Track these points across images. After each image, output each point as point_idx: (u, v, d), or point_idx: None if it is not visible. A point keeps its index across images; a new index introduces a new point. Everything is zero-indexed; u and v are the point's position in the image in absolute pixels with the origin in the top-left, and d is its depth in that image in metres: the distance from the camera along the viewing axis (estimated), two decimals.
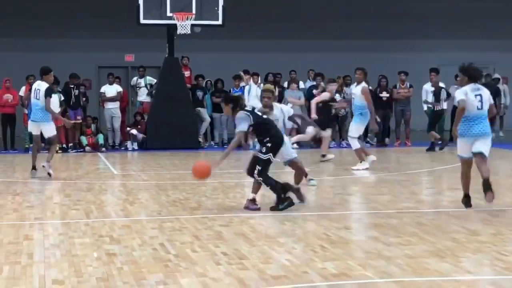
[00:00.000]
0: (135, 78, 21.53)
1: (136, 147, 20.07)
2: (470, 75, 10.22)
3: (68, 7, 24.21)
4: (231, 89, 20.99)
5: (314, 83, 21.11)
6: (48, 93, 13.94)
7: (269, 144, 10.20)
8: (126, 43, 24.30)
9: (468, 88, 10.14)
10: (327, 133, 17.00)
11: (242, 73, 20.56)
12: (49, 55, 23.57)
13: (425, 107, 20.55)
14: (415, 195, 11.94)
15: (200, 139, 20.69)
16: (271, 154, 10.23)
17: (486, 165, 10.08)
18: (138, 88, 21.05)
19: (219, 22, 19.88)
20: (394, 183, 13.25)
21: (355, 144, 15.21)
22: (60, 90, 19.69)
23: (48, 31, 24.23)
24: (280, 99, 21.05)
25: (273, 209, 10.18)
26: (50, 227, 9.23)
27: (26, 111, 19.25)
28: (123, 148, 20.38)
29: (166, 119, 19.18)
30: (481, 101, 10.09)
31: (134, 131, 20.05)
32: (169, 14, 19.38)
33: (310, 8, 25.37)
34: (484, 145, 10.12)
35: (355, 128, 15.30)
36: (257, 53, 24.46)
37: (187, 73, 21.32)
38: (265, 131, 10.27)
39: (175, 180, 13.71)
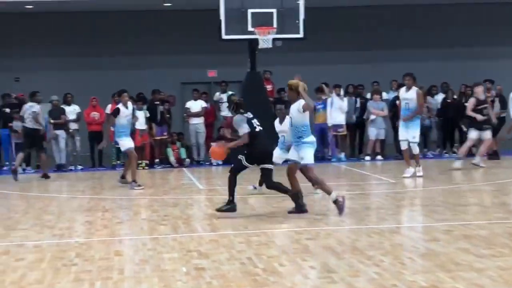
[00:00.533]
0: (217, 93, 21.71)
1: (220, 162, 20.19)
2: None
3: (151, 25, 24.65)
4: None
5: (397, 93, 20.88)
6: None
7: (248, 153, 11.11)
8: (209, 59, 24.56)
9: None
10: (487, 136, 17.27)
11: (323, 86, 20.49)
12: (134, 73, 24.10)
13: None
14: (505, 205, 11.68)
15: None
16: (247, 162, 11.13)
17: None
18: (220, 103, 21.17)
19: (300, 35, 19.87)
20: (482, 193, 13.00)
21: (417, 149, 15.75)
22: (146, 107, 20.03)
23: (132, 49, 24.70)
24: (363, 110, 20.97)
25: (217, 209, 11.09)
26: (139, 242, 9.37)
27: (112, 129, 19.63)
28: (208, 163, 20.55)
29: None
30: None
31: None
32: (250, 29, 19.50)
33: (391, 17, 25.21)
34: None
35: (418, 133, 15.74)
36: (338, 65, 24.40)
37: (269, 87, 21.39)
38: (250, 143, 11.11)
39: (261, 194, 13.73)
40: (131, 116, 15.65)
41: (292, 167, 11.32)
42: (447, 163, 19.19)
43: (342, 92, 20.55)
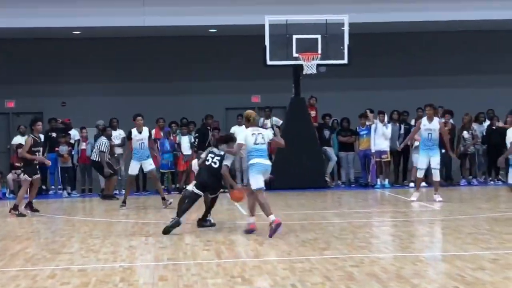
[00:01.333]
0: (261, 119, 21.69)
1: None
2: None
3: (196, 50, 24.83)
4: (357, 128, 20.93)
5: (443, 120, 20.73)
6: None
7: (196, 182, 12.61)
8: (253, 84, 24.64)
9: None
10: None
11: (368, 112, 20.48)
12: (178, 98, 24.25)
13: None
14: None
15: (327, 179, 20.65)
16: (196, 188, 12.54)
17: None
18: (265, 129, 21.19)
19: (345, 61, 19.92)
20: None
21: (438, 176, 16.58)
22: (193, 132, 20.17)
23: (177, 74, 24.87)
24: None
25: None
26: (183, 267, 9.38)
27: (157, 154, 19.77)
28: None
29: (293, 159, 19.24)
30: None
31: None
32: (295, 55, 19.60)
33: (436, 43, 25.07)
34: None
35: (439, 160, 16.42)
36: (383, 91, 24.33)
37: (313, 113, 21.37)
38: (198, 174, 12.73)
39: (303, 220, 13.71)
40: (145, 141, 16.62)
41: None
42: (493, 191, 18.99)
43: (386, 119, 20.48)
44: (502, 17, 22.52)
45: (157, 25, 22.11)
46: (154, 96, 24.39)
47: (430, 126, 16.31)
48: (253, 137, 12.39)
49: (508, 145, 13.73)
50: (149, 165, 16.75)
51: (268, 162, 12.34)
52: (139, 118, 16.69)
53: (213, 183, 12.63)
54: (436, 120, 16.43)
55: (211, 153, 12.72)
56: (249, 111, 12.87)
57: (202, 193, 12.64)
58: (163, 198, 16.62)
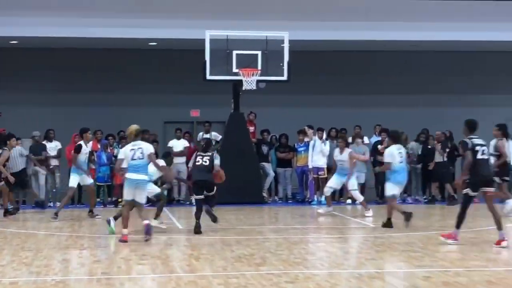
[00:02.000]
0: (200, 134, 21.71)
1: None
2: None
3: (135, 63, 24.73)
4: (295, 144, 21.03)
5: (379, 138, 21.00)
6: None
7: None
8: (192, 98, 24.62)
9: None
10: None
11: (306, 128, 20.61)
12: (116, 110, 24.07)
13: None
14: (484, 252, 11.71)
15: (264, 194, 20.71)
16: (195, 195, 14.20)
17: None
18: None
19: (284, 77, 20.07)
20: (462, 240, 13.02)
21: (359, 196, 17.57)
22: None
23: (116, 87, 24.73)
24: None
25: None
26: (117, 282, 9.30)
27: (93, 166, 19.58)
28: (188, 202, 20.49)
29: (231, 174, 19.14)
30: None
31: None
32: (235, 70, 19.67)
33: (376, 62, 25.40)
34: None
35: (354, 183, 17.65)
36: (321, 108, 24.54)
37: (251, 128, 21.46)
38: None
39: (240, 235, 13.72)
40: (88, 155, 17.12)
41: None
42: (427, 209, 19.26)
43: (324, 136, 20.62)
44: (439, 38, 22.91)
45: (97, 36, 21.95)
46: (91, 108, 24.19)
47: (341, 158, 17.39)
48: (131, 152, 13.05)
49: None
50: (88, 178, 16.99)
51: (140, 177, 13.03)
52: (89, 132, 17.32)
53: (209, 178, 14.08)
54: (346, 151, 17.40)
55: (199, 155, 14.23)
56: (132, 127, 13.45)
57: (202, 195, 14.06)
58: (91, 211, 16.96)
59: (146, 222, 12.94)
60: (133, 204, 13.17)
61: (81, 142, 16.84)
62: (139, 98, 24.73)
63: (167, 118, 24.80)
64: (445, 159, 20.37)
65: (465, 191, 12.26)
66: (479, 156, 12.24)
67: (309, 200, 20.40)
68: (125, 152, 13.13)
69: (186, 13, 21.79)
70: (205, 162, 14.07)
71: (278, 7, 21.89)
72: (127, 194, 13.09)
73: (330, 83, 25.23)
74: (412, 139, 21.08)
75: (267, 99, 23.32)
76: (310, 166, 20.25)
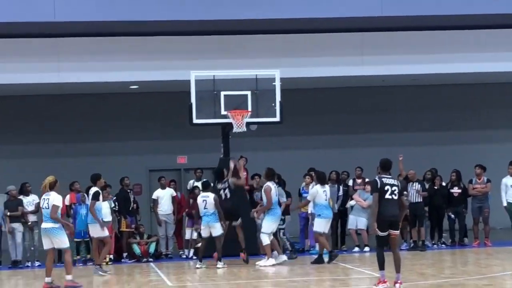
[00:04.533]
0: (191, 182, 21.63)
1: (191, 255, 20.07)
2: None
3: (116, 108, 24.83)
4: (301, 189, 20.77)
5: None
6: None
7: None
8: (178, 144, 24.74)
9: None
10: None
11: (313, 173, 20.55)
12: (97, 160, 24.10)
13: (504, 203, 20.46)
14: None
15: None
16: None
17: None
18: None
19: (277, 118, 20.08)
20: None
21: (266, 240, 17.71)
22: (113, 197, 20.00)
23: (95, 134, 24.79)
24: (346, 199, 21.00)
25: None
26: None
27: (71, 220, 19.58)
28: (177, 256, 20.43)
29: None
30: None
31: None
32: (223, 112, 19.69)
33: (376, 98, 25.56)
34: None
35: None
36: (319, 150, 24.65)
37: (244, 174, 21.38)
38: None
39: None
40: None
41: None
42: (436, 255, 19.30)
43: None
44: (439, 71, 23.05)
45: (71, 81, 21.91)
46: (69, 158, 24.25)
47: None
48: (42, 202, 15.22)
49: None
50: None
51: (49, 225, 14.93)
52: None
53: (233, 209, 17.69)
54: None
55: (220, 190, 18.13)
56: (47, 178, 15.41)
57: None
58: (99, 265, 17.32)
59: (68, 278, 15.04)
60: (52, 252, 15.13)
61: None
62: (121, 145, 24.81)
63: (152, 166, 24.86)
64: (420, 199, 20.42)
65: (375, 232, 13.09)
66: (387, 196, 13.01)
67: (308, 249, 20.40)
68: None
69: (168, 53, 21.87)
70: (226, 195, 17.47)
71: (268, 44, 22.05)
72: (44, 243, 15.22)
73: (327, 123, 25.33)
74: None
75: (260, 142, 23.46)
76: (309, 211, 20.23)
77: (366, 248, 20.15)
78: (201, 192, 18.54)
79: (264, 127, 21.02)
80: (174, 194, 20.94)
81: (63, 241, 15.06)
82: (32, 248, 20.03)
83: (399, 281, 12.94)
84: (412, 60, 22.56)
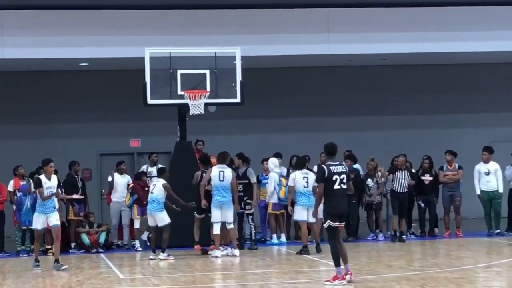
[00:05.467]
0: (145, 166, 21.51)
1: (144, 247, 19.95)
2: None
3: (64, 87, 24.63)
4: (260, 175, 20.78)
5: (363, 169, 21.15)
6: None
7: None
8: (132, 126, 24.62)
9: None
10: None
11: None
12: (43, 143, 23.91)
13: (478, 191, 20.63)
14: None
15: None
16: None
17: None
18: (149, 178, 20.85)
19: (237, 99, 20.05)
20: (446, 281, 13.21)
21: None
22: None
23: (41, 115, 24.57)
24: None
25: None
26: None
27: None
28: (130, 247, 20.35)
29: (180, 212, 19.13)
30: None
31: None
32: (180, 92, 19.62)
33: (340, 79, 25.63)
34: None
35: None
36: (281, 133, 24.70)
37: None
38: None
39: (191, 284, 13.74)
40: (54, 190, 16.46)
41: None
42: (404, 246, 19.43)
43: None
44: (408, 51, 23.14)
45: (14, 57, 21.66)
46: (12, 140, 24.04)
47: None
48: None
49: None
50: (55, 219, 16.50)
51: None
52: (52, 163, 16.62)
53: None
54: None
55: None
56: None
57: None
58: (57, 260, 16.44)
59: None
60: None
61: (42, 176, 16.64)
62: (69, 127, 24.61)
63: (102, 150, 24.74)
64: (406, 189, 20.49)
65: (326, 224, 13.17)
66: (336, 186, 13.06)
67: (266, 239, 20.49)
68: None
69: (121, 28, 21.78)
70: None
71: (228, 19, 22.01)
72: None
73: (290, 104, 25.35)
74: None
75: (219, 125, 23.43)
76: (267, 200, 20.30)
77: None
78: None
79: (224, 108, 21.04)
80: (131, 182, 20.72)
81: None
82: None
83: (349, 272, 13.07)
84: (382, 38, 22.62)
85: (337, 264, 13.07)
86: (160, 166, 20.71)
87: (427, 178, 20.97)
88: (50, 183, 16.35)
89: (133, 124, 24.51)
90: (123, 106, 24.21)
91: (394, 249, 18.61)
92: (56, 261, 16.32)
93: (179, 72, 19.69)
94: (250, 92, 20.51)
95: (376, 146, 23.44)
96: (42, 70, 23.96)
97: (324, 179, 13.04)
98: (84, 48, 21.89)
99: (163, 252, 17.62)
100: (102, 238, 19.97)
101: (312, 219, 17.60)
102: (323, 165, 13.34)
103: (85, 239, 19.87)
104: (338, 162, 13.43)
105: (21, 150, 23.30)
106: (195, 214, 18.43)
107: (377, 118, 25.76)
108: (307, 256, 17.36)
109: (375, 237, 20.58)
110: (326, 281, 13.19)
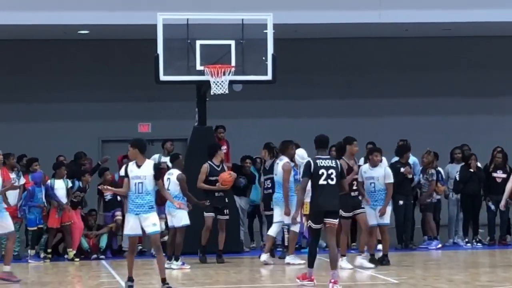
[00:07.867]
0: (156, 156, 21.39)
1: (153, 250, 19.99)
2: None
3: (60, 59, 24.72)
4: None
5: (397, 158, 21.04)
6: None
7: None
8: (140, 108, 24.67)
9: None
10: None
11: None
12: (34, 126, 24.05)
13: None
14: None
15: (242, 239, 20.66)
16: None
17: None
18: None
19: (268, 77, 20.00)
20: None
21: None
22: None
23: (35, 94, 24.69)
24: None
25: None
26: None
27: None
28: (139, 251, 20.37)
29: (197, 212, 19.12)
30: None
31: None
32: (199, 67, 19.60)
33: (395, 54, 25.63)
34: None
35: None
36: (320, 117, 24.70)
37: (224, 148, 21.22)
38: None
39: None
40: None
41: None
42: (470, 256, 19.39)
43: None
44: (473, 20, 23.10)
45: (5, 23, 21.81)
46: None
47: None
48: None
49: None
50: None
51: None
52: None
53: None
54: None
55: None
56: None
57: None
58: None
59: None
60: None
61: None
62: (66, 108, 24.73)
63: (105, 136, 24.83)
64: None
65: (307, 224, 14.05)
66: (321, 181, 13.70)
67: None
68: None
69: None
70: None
71: None
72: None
73: (332, 83, 25.37)
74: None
75: (245, 107, 23.43)
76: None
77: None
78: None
79: (252, 87, 20.98)
80: None
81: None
82: None
83: (333, 280, 13.60)
84: (444, 3, 22.56)
85: (310, 265, 14.03)
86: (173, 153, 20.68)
87: (499, 175, 20.65)
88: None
89: (142, 104, 24.56)
90: (130, 83, 24.26)
91: (455, 260, 18.55)
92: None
93: (198, 42, 19.67)
94: (283, 68, 20.46)
95: (434, 135, 23.33)
96: (32, 38, 24.03)
97: (310, 174, 13.76)
98: (83, 13, 21.96)
99: (176, 260, 17.57)
100: (103, 242, 20.02)
101: (385, 220, 17.33)
102: (309, 159, 14.01)
103: (84, 243, 19.93)
104: (328, 156, 14.19)
105: (5, 133, 23.34)
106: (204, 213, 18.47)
107: (437, 101, 25.73)
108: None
109: (427, 245, 20.39)
110: (297, 277, 14.35)
